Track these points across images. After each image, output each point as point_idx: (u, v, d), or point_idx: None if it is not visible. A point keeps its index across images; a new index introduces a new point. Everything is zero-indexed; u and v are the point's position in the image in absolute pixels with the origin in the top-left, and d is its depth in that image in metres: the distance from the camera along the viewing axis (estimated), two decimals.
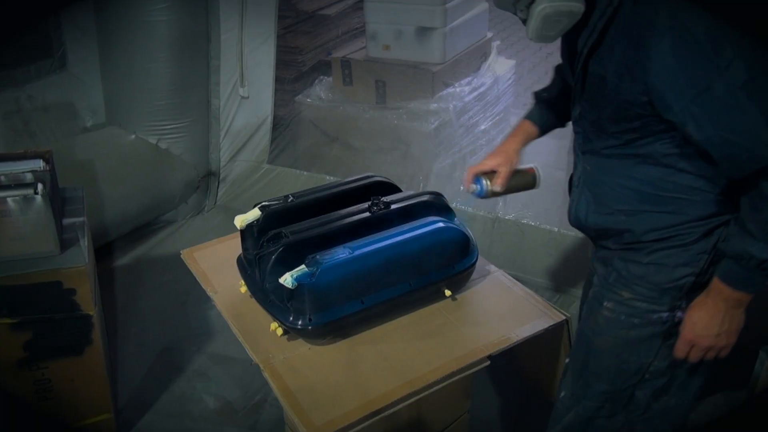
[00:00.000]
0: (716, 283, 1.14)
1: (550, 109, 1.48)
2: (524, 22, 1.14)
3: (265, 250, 1.37)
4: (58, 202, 1.87)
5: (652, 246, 1.21)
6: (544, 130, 1.49)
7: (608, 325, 1.27)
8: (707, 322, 1.15)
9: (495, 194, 1.44)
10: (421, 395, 1.26)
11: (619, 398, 1.32)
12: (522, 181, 1.47)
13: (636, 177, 1.18)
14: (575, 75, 1.20)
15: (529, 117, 1.50)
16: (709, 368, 1.29)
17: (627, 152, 1.18)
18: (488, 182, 1.42)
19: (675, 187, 1.16)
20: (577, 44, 1.16)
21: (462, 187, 1.45)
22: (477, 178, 1.44)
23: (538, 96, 1.50)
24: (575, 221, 1.33)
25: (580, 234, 2.46)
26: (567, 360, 1.41)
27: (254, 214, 1.44)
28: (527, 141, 1.48)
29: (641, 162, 1.17)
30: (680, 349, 1.19)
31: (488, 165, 1.43)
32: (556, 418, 1.41)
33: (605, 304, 1.28)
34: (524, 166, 1.47)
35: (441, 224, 1.43)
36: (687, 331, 1.17)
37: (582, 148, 1.27)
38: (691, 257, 1.19)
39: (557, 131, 1.54)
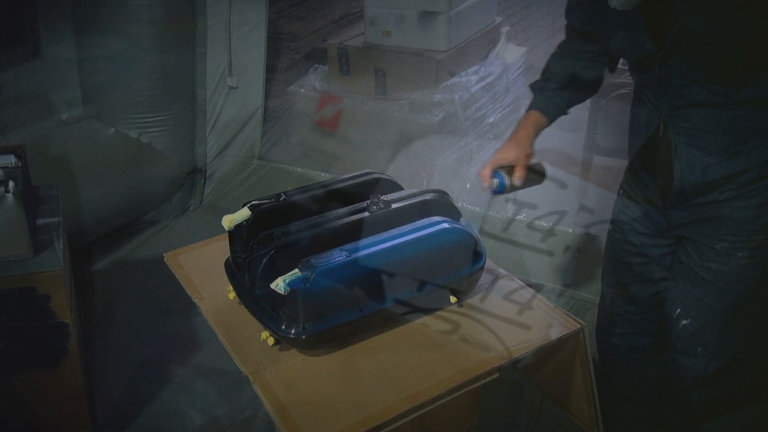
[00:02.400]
0: None
1: (558, 98, 1.55)
2: None
3: (255, 253, 1.37)
4: (32, 201, 1.87)
5: None
6: (552, 120, 1.56)
7: (747, 270, 1.43)
8: None
9: (513, 189, 1.49)
10: (424, 410, 1.26)
11: (757, 331, 1.52)
12: (534, 176, 1.52)
13: (747, 115, 1.30)
14: (668, 36, 1.27)
15: (536, 107, 1.57)
16: None
17: (734, 97, 1.29)
18: (507, 177, 1.47)
19: None
20: (673, 6, 1.24)
21: (484, 184, 1.49)
22: (496, 173, 1.48)
23: (544, 86, 1.57)
24: (685, 184, 1.41)
25: (594, 235, 2.48)
26: (686, 321, 1.53)
27: (243, 214, 1.44)
28: (538, 132, 1.54)
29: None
30: None
31: (507, 158, 1.49)
32: (700, 373, 1.56)
33: (740, 254, 1.42)
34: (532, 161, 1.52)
35: (446, 225, 1.43)
36: None
37: (672, 106, 1.36)
38: None
39: (570, 125, 1.56)
